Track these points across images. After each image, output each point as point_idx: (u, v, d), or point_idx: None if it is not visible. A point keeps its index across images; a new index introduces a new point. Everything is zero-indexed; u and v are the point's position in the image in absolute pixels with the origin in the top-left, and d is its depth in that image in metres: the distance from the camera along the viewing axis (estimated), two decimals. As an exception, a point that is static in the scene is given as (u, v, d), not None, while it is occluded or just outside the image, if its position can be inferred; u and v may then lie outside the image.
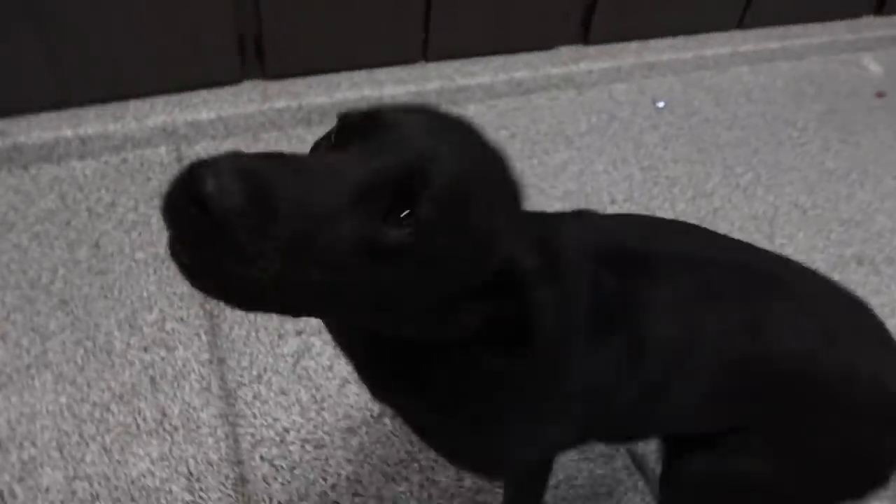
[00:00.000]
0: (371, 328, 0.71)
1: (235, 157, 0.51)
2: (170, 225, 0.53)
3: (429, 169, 0.57)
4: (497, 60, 2.49)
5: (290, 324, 1.70)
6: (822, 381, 0.87)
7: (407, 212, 0.56)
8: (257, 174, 0.51)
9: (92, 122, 2.03)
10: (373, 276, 0.58)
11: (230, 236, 0.50)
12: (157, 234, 1.86)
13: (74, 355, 1.58)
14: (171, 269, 1.78)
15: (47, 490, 1.36)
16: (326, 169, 0.56)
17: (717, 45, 2.81)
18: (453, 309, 0.65)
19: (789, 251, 2.10)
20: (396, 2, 2.23)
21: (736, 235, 2.07)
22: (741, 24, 2.90)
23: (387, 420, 1.54)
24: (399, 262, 0.58)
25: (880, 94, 2.85)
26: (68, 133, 1.99)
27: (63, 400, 1.50)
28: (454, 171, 0.59)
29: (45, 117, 2.02)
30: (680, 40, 2.78)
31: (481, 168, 0.63)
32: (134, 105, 2.10)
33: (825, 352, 0.87)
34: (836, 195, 2.34)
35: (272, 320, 1.69)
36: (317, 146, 0.67)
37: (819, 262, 2.09)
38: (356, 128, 0.61)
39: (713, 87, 2.76)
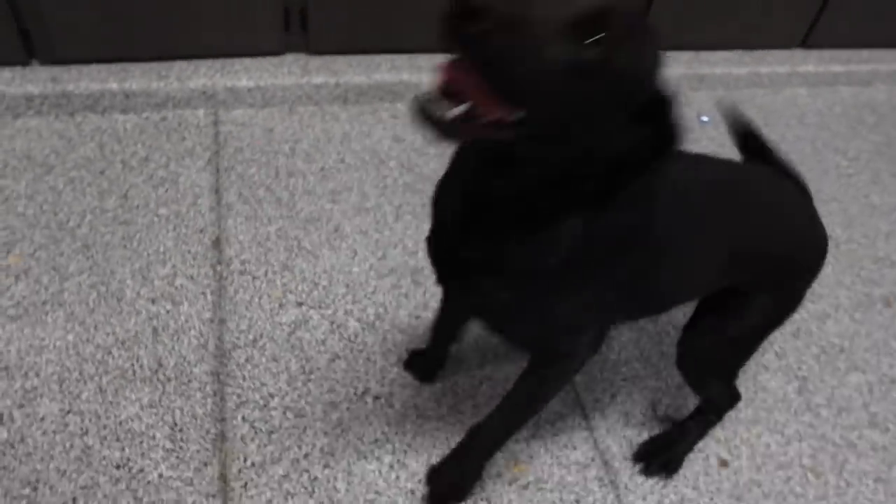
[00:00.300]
0: (547, 149, 0.85)
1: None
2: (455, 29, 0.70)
3: (612, 9, 0.75)
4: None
5: (292, 294, 1.75)
6: (788, 257, 1.30)
7: (601, 35, 0.73)
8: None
9: (137, 78, 2.11)
10: (577, 85, 0.75)
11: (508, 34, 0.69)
12: (182, 193, 1.94)
13: (88, 297, 1.67)
14: (188, 228, 1.85)
15: (42, 419, 1.45)
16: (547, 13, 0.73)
17: (776, 62, 2.71)
18: (620, 129, 0.84)
19: (814, 285, 2.03)
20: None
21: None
22: (805, 44, 2.78)
23: (368, 399, 1.58)
24: (596, 74, 0.75)
25: (946, 132, 2.70)
26: (114, 86, 2.08)
27: (70, 338, 1.59)
28: (629, 14, 0.77)
29: (95, 69, 2.12)
30: (736, 54, 2.70)
31: (639, 20, 0.81)
32: (178, 66, 2.18)
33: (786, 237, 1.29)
34: (875, 231, 2.24)
35: (276, 288, 1.75)
36: None
37: (843, 298, 2.01)
38: None
39: (765, 106, 2.66)
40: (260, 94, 2.21)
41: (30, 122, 2.06)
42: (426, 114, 0.77)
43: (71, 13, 1.99)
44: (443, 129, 0.78)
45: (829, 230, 2.27)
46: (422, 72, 2.34)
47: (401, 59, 2.36)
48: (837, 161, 2.48)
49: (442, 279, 1.14)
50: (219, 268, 1.79)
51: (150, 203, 1.91)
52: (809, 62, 2.75)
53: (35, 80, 2.05)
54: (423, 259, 1.88)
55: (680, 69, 2.59)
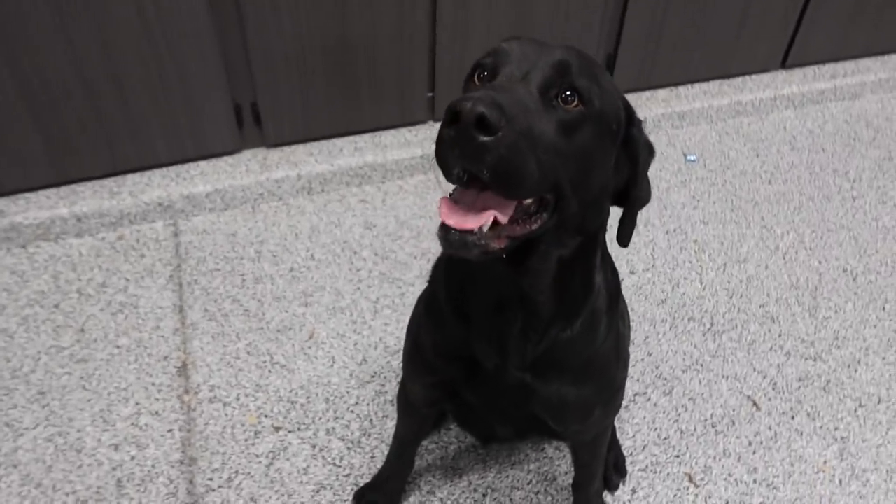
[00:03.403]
0: (567, 215, 0.84)
1: (480, 96, 0.70)
2: (452, 132, 0.71)
3: (568, 59, 0.80)
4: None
5: (267, 417, 1.59)
6: None
7: (569, 92, 0.78)
8: (493, 99, 0.70)
9: (88, 199, 2.00)
10: (567, 144, 0.78)
11: (491, 129, 0.70)
12: (143, 317, 1.80)
13: (44, 454, 1.52)
14: (151, 357, 1.71)
15: None
16: (514, 87, 0.77)
17: (758, 88, 2.59)
18: (615, 170, 0.89)
19: (835, 326, 1.86)
20: (399, 61, 2.14)
21: (772, 308, 1.88)
22: (785, 64, 2.66)
23: (359, 535, 1.41)
24: (579, 127, 0.79)
25: (948, 136, 2.56)
26: (64, 211, 1.97)
27: (26, 505, 1.44)
28: (579, 57, 0.82)
29: (43, 195, 2.01)
30: (714, 85, 2.58)
31: (586, 57, 0.84)
32: (131, 179, 2.07)
33: None
34: (892, 257, 2.08)
35: (250, 413, 1.59)
36: (466, 86, 0.88)
37: (871, 338, 1.84)
38: (494, 63, 0.82)
39: (752, 134, 2.53)
40: (219, 197, 2.09)
41: (-21, 260, 1.95)
42: (458, 246, 0.75)
43: (12, 142, 1.90)
44: (482, 251, 0.76)
45: (842, 262, 2.12)
46: (387, 150, 2.22)
47: (363, 140, 2.25)
48: (839, 184, 2.33)
49: (470, 400, 1.10)
50: (186, 398, 1.64)
51: (109, 334, 1.77)
52: (793, 82, 2.62)
53: (-20, 215, 1.95)
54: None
55: (658, 109, 2.47)
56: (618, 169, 0.89)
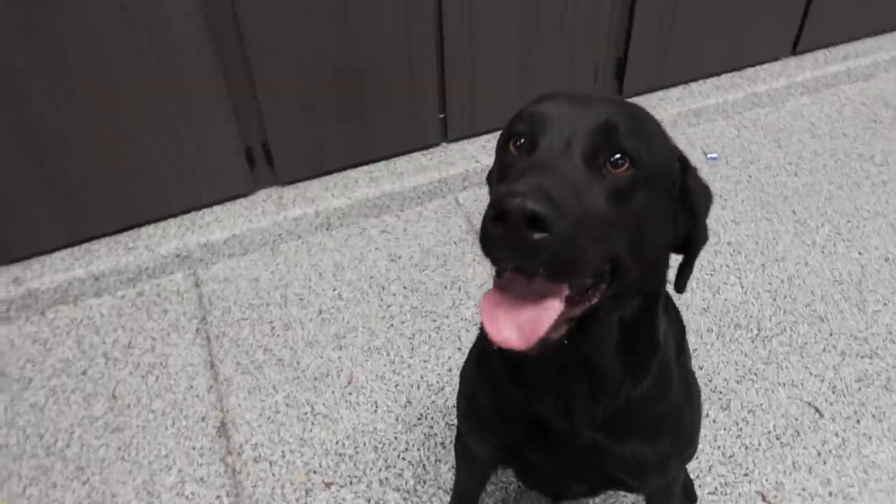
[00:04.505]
0: (631, 276, 0.78)
1: (527, 190, 0.64)
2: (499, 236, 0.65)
3: (611, 118, 0.73)
4: (525, 130, 2.30)
5: (316, 473, 1.53)
6: None
7: (617, 156, 0.72)
8: (542, 190, 0.65)
9: (104, 256, 1.94)
10: (621, 213, 0.72)
11: (544, 227, 0.64)
12: (175, 377, 1.74)
13: (90, 534, 1.46)
14: (188, 419, 1.65)
15: None
16: (558, 163, 0.71)
17: (770, 77, 2.53)
18: (674, 225, 0.82)
19: (886, 319, 1.81)
20: (408, 85, 2.08)
21: (817, 307, 1.82)
22: (795, 50, 2.61)
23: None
24: (633, 192, 0.73)
25: (969, 108, 2.51)
26: (80, 272, 1.91)
27: (76, 593, 1.37)
28: (623, 111, 0.75)
29: (58, 257, 1.95)
30: (727, 79, 2.52)
31: (631, 110, 0.78)
32: (145, 232, 2.01)
33: None
34: (933, 242, 2.02)
35: (298, 470, 1.53)
36: (505, 164, 0.79)
37: (924, 330, 1.78)
38: (532, 131, 0.75)
39: (770, 126, 2.48)
40: (237, 243, 2.03)
41: (-2, 332, 1.89)
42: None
43: (21, 206, 1.84)
44: (547, 344, 0.71)
45: (882, 251, 2.06)
46: (403, 177, 2.17)
47: (377, 169, 2.19)
48: (867, 169, 2.28)
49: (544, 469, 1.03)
50: (230, 459, 1.58)
51: (142, 398, 1.71)
52: (805, 68, 2.57)
53: (-5, 285, 1.89)
54: (450, 394, 1.67)
55: (673, 109, 2.42)
56: (676, 221, 0.82)
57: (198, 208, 2.05)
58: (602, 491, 1.40)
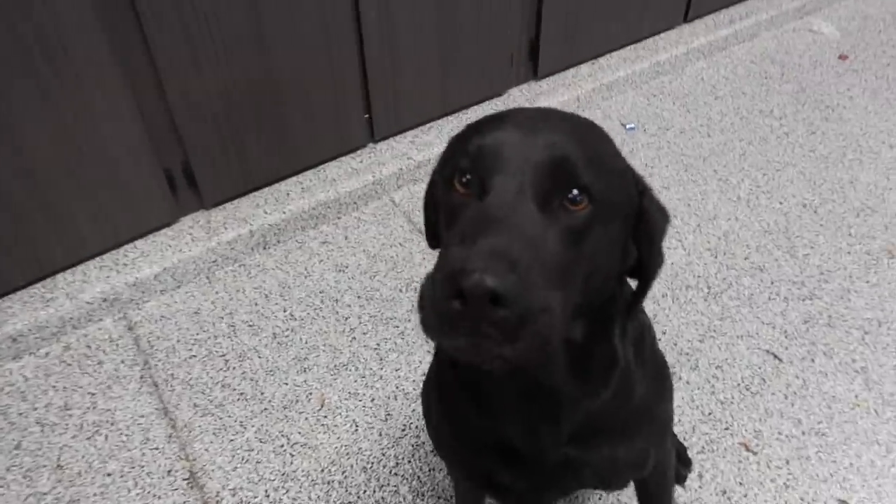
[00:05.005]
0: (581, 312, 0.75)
1: (485, 264, 0.58)
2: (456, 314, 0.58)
3: (566, 154, 0.67)
4: (450, 122, 2.27)
5: (308, 508, 1.45)
6: None
7: (575, 192, 0.67)
8: (502, 257, 0.59)
9: (18, 314, 1.73)
10: (577, 252, 0.67)
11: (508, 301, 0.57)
12: (127, 433, 1.59)
13: None
14: (152, 475, 1.51)
15: None
16: (512, 214, 0.64)
17: (670, 45, 2.64)
18: (626, 252, 0.77)
19: (816, 261, 1.94)
20: (330, 88, 1.99)
21: (754, 258, 1.92)
22: (687, 18, 2.74)
23: None
24: (590, 229, 0.68)
25: (843, 57, 2.73)
26: (-6, 335, 1.70)
27: None
28: (578, 139, 0.70)
29: (-37, 322, 1.72)
30: (630, 51, 2.61)
31: (583, 132, 0.73)
32: (63, 279, 1.81)
33: None
34: (839, 183, 2.19)
35: (287, 509, 1.44)
36: (453, 205, 0.71)
37: (850, 265, 1.92)
38: (480, 167, 0.68)
39: (676, 91, 2.59)
40: (169, 276, 1.87)
41: None
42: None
43: None
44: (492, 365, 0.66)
45: (799, 198, 2.19)
46: (335, 183, 2.08)
47: (307, 178, 2.09)
48: (769, 123, 2.43)
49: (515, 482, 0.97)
50: (208, 511, 1.46)
51: (93, 462, 1.54)
52: (699, 34, 2.70)
53: None
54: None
55: (586, 85, 2.46)
56: (628, 247, 0.78)
57: (119, 245, 1.88)
58: (574, 492, 1.40)
